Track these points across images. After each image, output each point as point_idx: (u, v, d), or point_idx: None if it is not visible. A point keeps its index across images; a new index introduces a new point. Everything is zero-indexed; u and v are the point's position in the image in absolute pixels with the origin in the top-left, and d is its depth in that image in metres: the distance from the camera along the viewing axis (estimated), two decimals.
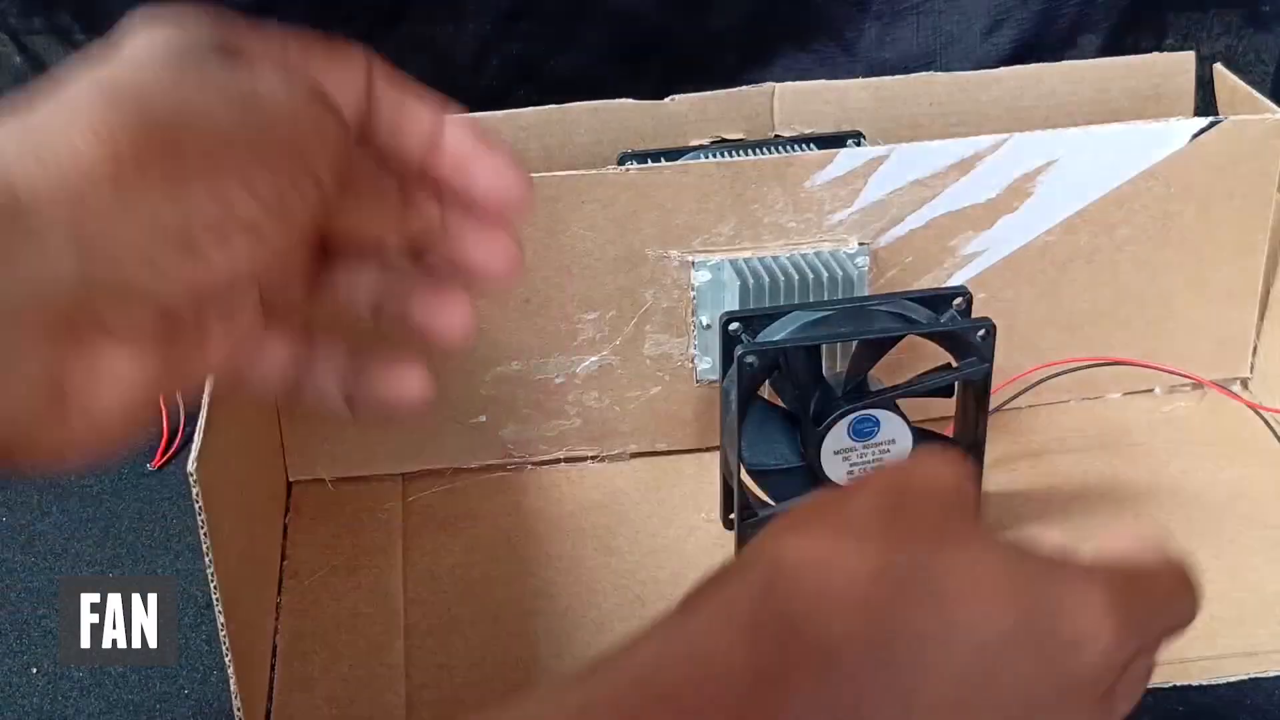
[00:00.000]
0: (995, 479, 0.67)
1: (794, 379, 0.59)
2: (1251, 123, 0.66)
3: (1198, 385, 0.72)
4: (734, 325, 0.59)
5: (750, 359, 0.57)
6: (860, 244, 0.65)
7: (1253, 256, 0.69)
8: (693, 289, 0.65)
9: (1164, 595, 0.35)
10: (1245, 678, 0.57)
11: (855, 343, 0.59)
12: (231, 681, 0.52)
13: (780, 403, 0.61)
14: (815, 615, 0.31)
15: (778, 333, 0.59)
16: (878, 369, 0.60)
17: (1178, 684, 0.56)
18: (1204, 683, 0.57)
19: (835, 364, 0.64)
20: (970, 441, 0.61)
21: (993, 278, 0.68)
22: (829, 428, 0.58)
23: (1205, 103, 0.74)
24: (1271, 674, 0.57)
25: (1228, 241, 0.69)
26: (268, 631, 0.60)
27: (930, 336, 0.59)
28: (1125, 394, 0.72)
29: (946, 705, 0.31)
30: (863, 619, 0.31)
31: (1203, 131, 0.65)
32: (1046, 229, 0.67)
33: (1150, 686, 0.55)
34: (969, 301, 0.60)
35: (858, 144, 0.70)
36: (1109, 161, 0.66)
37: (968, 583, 0.32)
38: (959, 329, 0.59)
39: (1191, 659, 0.57)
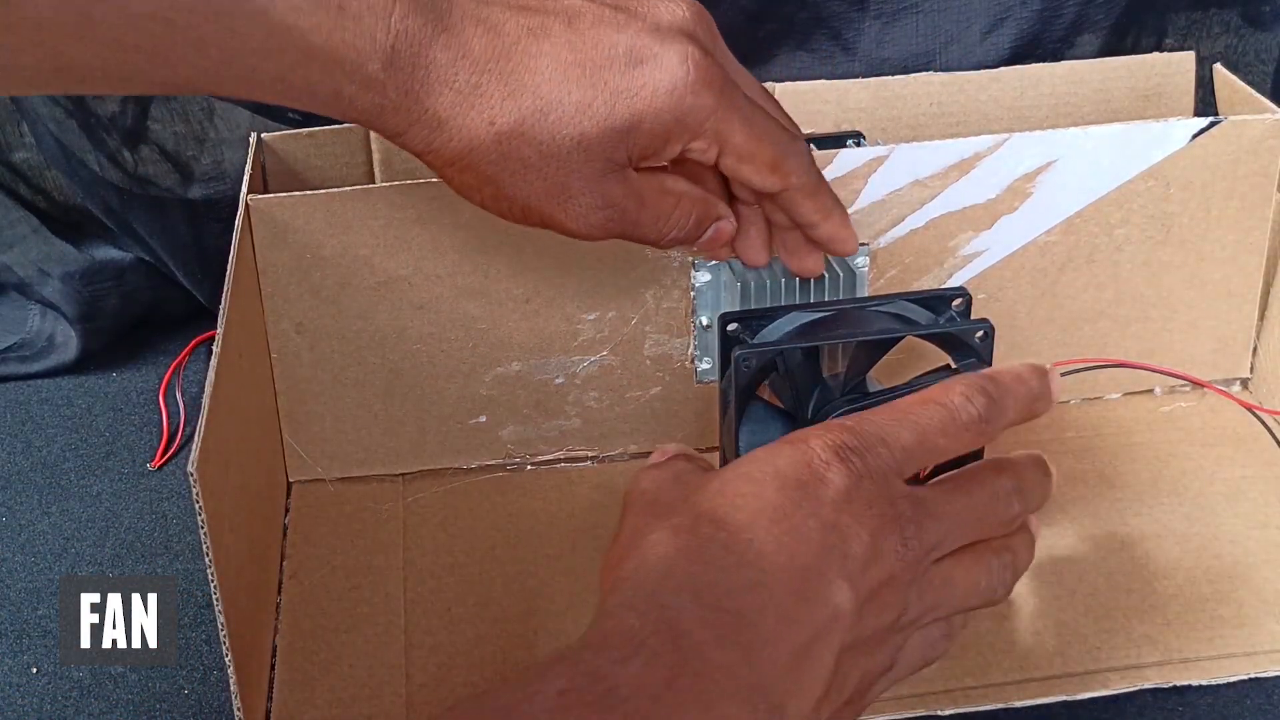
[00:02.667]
0: None
1: (792, 380, 0.59)
2: (1251, 123, 0.66)
3: (1197, 385, 0.72)
4: (732, 326, 0.59)
5: (747, 360, 0.57)
6: (860, 244, 0.65)
7: (1253, 256, 0.69)
8: (693, 289, 0.65)
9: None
10: (1245, 678, 0.57)
11: (853, 344, 0.59)
12: (231, 681, 0.52)
13: (779, 403, 0.61)
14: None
15: (776, 333, 0.59)
16: (877, 370, 0.60)
17: (1177, 684, 0.57)
18: (1204, 683, 0.57)
19: (837, 364, 0.64)
20: None
21: (992, 278, 0.68)
22: None
23: (1205, 103, 0.74)
24: (1272, 674, 0.57)
25: (1228, 241, 0.69)
26: (268, 631, 0.60)
27: (928, 338, 0.59)
28: (1125, 394, 0.72)
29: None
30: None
31: (1202, 132, 0.66)
32: (1046, 229, 0.67)
33: (1150, 686, 0.56)
34: (968, 303, 0.59)
35: (858, 144, 0.70)
36: (1109, 162, 0.66)
37: (727, 502, 0.44)
38: (957, 330, 0.58)
39: (1192, 659, 0.57)
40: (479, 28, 0.48)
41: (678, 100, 0.50)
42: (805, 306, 0.61)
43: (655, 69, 0.50)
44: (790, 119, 0.58)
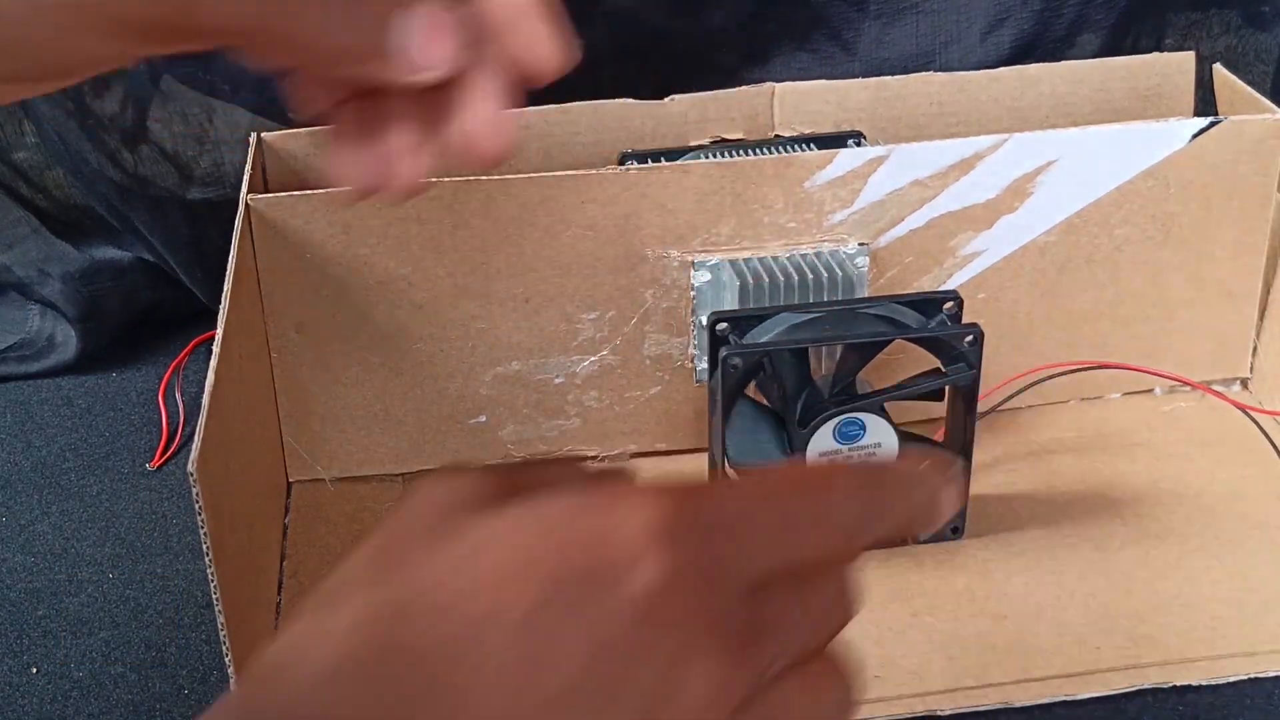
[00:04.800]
0: (994, 480, 0.67)
1: (779, 381, 0.59)
2: (1251, 123, 0.66)
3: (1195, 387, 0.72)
4: (721, 325, 0.59)
5: (734, 360, 0.57)
6: (860, 244, 0.65)
7: (1253, 256, 0.69)
8: (692, 289, 0.65)
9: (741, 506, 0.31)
10: (1245, 678, 0.57)
11: (842, 346, 0.59)
12: (232, 681, 0.52)
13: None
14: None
15: (765, 334, 0.59)
16: (867, 370, 0.60)
17: (1177, 684, 0.56)
18: (1204, 683, 0.57)
19: (828, 365, 0.64)
20: (959, 445, 0.61)
21: (992, 278, 0.68)
22: (814, 430, 0.58)
23: (1205, 103, 0.74)
24: (1271, 674, 0.57)
25: (1227, 241, 0.69)
26: (268, 631, 0.60)
27: (917, 341, 0.58)
28: (1125, 394, 0.72)
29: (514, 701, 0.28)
30: (347, 699, 0.28)
31: (1202, 132, 0.66)
32: (1046, 229, 0.67)
33: (1150, 686, 0.56)
34: (959, 306, 0.59)
35: (858, 144, 0.70)
36: (1109, 162, 0.66)
37: (468, 581, 0.29)
38: (945, 335, 0.58)
39: (1191, 659, 0.57)
40: None
41: None
42: (796, 308, 0.61)
43: None
44: None
